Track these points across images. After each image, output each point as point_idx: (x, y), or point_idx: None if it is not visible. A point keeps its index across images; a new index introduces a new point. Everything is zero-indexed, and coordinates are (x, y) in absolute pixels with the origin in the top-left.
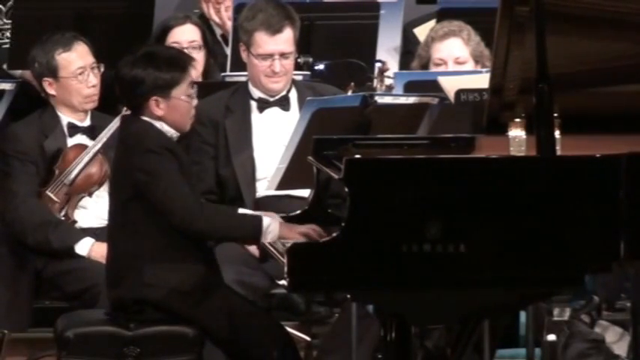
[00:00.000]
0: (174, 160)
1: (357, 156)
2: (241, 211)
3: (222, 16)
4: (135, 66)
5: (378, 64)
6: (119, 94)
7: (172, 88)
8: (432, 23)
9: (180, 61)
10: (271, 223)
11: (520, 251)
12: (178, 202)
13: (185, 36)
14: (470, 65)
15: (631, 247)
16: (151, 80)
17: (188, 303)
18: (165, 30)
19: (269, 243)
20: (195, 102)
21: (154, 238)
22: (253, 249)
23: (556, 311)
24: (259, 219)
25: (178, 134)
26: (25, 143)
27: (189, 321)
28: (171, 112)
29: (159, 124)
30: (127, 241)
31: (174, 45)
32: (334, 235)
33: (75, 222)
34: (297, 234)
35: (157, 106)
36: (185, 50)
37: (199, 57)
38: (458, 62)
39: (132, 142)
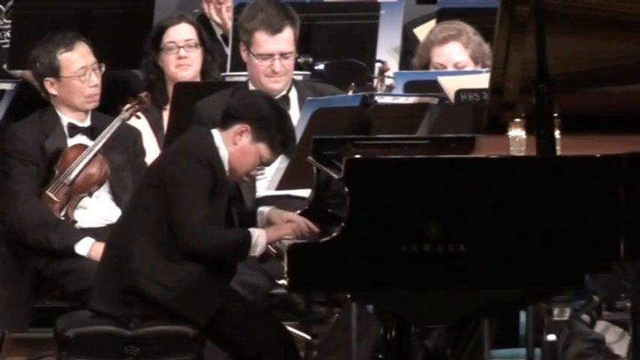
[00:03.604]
0: (210, 179)
1: (357, 156)
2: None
3: (223, 16)
4: (268, 101)
5: (378, 64)
6: (234, 103)
7: (265, 141)
8: (432, 23)
9: (290, 144)
10: (259, 237)
11: (520, 251)
12: (189, 220)
13: (181, 35)
14: (470, 68)
15: (631, 247)
16: (262, 118)
17: (174, 301)
18: (161, 30)
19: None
20: (257, 175)
21: (160, 231)
22: None
23: (556, 311)
24: (248, 238)
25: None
26: (25, 143)
27: (174, 314)
28: (242, 153)
29: (224, 154)
30: (135, 226)
31: (171, 44)
32: (334, 235)
33: (75, 222)
34: (285, 231)
35: (241, 135)
36: (181, 49)
37: (196, 56)
38: (457, 67)
39: (188, 143)
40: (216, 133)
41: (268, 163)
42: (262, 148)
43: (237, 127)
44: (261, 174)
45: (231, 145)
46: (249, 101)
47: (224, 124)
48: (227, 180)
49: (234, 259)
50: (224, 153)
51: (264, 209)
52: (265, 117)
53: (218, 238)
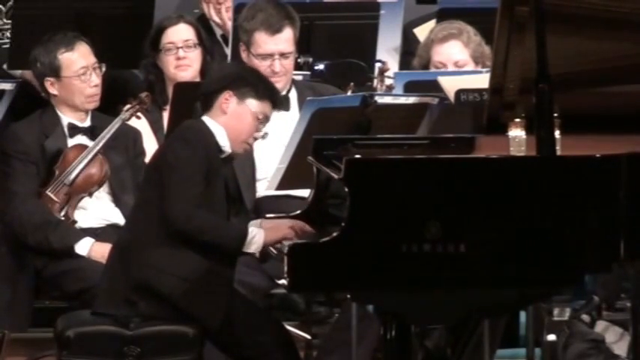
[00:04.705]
0: (203, 159)
1: (357, 156)
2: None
3: (223, 16)
4: (233, 64)
5: (378, 64)
6: (206, 84)
7: (252, 97)
8: (432, 23)
9: (275, 92)
10: (256, 234)
11: (520, 251)
12: (177, 199)
13: (179, 35)
14: (470, 68)
15: (631, 247)
16: (237, 77)
17: (187, 294)
18: (160, 31)
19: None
20: (259, 135)
21: (165, 223)
22: None
23: (556, 311)
24: (244, 233)
25: (229, 151)
26: (25, 143)
27: (184, 313)
28: (237, 117)
29: (220, 132)
30: (142, 221)
31: (170, 45)
32: (334, 235)
33: (75, 222)
34: (284, 232)
35: (227, 102)
36: (180, 49)
37: (195, 56)
38: (457, 66)
39: (180, 130)
40: (206, 118)
41: (266, 119)
42: (252, 103)
43: (219, 99)
44: (265, 134)
45: (221, 116)
46: (217, 73)
47: (206, 105)
48: (222, 166)
49: (226, 251)
50: (221, 134)
51: (256, 221)
52: (239, 74)
53: (205, 220)
